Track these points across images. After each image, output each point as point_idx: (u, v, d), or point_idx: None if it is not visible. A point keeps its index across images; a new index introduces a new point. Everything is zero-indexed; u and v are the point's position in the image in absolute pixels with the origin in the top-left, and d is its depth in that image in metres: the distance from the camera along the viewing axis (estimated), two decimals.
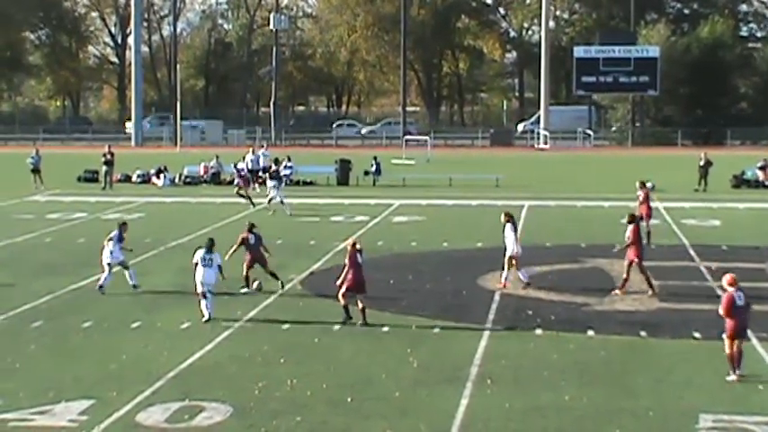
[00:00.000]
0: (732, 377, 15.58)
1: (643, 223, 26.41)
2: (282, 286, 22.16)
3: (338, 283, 19.28)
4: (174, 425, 13.68)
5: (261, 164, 47.22)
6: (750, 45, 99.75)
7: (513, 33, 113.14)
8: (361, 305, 19.03)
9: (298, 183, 47.47)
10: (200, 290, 19.59)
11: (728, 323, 15.60)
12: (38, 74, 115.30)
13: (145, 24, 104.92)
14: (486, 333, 18.58)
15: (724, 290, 16.00)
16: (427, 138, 67.49)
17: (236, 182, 40.84)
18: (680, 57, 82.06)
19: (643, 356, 17.10)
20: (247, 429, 13.49)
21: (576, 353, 17.24)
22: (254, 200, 37.79)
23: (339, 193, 43.59)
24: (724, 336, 15.78)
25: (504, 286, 22.37)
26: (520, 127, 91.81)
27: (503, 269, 22.59)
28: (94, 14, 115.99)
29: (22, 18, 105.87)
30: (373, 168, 48.43)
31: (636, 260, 21.88)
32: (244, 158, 46.82)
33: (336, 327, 18.92)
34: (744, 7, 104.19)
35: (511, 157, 67.57)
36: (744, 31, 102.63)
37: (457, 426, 13.66)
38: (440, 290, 22.40)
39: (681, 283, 23.16)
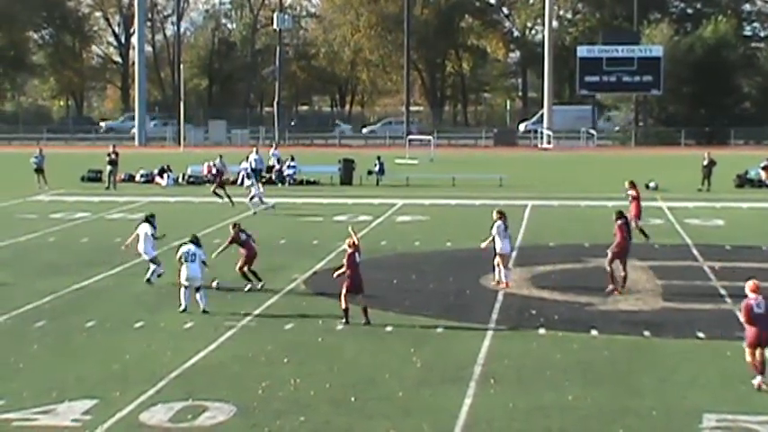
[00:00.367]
0: (757, 380, 15.17)
1: (632, 223, 26.39)
2: (261, 287, 22.14)
3: (335, 275, 19.44)
4: (177, 424, 13.68)
5: (271, 163, 47.38)
6: (753, 44, 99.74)
7: (516, 33, 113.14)
8: (362, 305, 19.04)
9: (301, 182, 47.50)
10: (184, 284, 20.04)
11: (748, 331, 15.29)
12: (41, 73, 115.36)
13: (148, 24, 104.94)
14: (490, 333, 18.57)
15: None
16: (431, 137, 67.49)
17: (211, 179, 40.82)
18: (683, 56, 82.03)
19: (647, 356, 17.08)
20: (251, 429, 13.49)
21: (580, 352, 17.23)
22: (255, 200, 37.75)
23: (342, 192, 43.59)
24: (744, 344, 15.56)
25: (507, 285, 22.38)
26: (521, 127, 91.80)
27: (493, 270, 22.69)
28: (98, 14, 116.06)
29: (25, 18, 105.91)
30: (377, 168, 48.43)
31: (616, 252, 22.03)
32: (247, 158, 46.90)
33: (339, 326, 18.92)
34: (747, 7, 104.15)
35: (514, 157, 67.54)
36: (747, 31, 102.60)
37: (460, 426, 13.65)
38: (443, 289, 22.39)
39: (684, 283, 23.14)
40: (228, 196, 37.99)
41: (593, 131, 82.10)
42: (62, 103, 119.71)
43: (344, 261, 19.34)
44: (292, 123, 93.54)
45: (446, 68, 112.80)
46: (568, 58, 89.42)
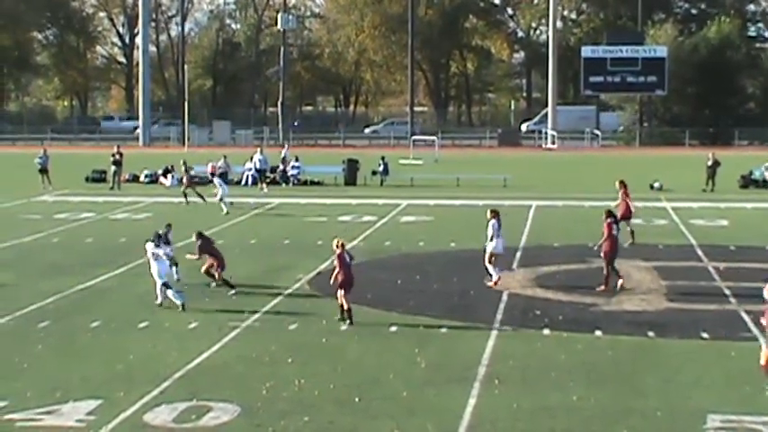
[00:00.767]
0: None
1: (622, 222, 26.40)
2: (209, 285, 22.18)
3: (332, 283, 19.52)
4: (181, 425, 13.68)
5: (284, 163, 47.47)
6: (758, 45, 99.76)
7: (520, 33, 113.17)
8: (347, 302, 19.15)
9: (305, 183, 47.49)
10: (158, 281, 20.45)
11: None
12: (45, 74, 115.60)
13: (153, 24, 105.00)
14: (494, 333, 18.56)
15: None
16: (435, 138, 67.47)
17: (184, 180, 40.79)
18: (688, 57, 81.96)
19: (651, 357, 17.07)
20: (255, 429, 13.48)
21: (584, 353, 17.21)
22: (262, 200, 37.79)
23: (347, 193, 43.59)
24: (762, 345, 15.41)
25: (495, 283, 22.43)
26: (523, 127, 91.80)
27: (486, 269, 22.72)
28: (102, 14, 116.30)
29: (30, 18, 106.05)
30: (381, 168, 48.41)
31: (607, 252, 22.14)
32: (252, 158, 46.92)
33: (344, 327, 18.92)
34: (751, 7, 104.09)
35: (518, 158, 67.51)
36: (752, 31, 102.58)
37: (465, 426, 13.64)
38: (447, 290, 22.38)
39: (689, 284, 23.12)
40: (200, 195, 38.23)
41: (597, 132, 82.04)
42: (66, 103, 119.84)
43: (336, 262, 19.38)
44: (295, 123, 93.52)
45: (450, 69, 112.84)
46: (573, 58, 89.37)
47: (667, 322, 19.46)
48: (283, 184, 46.78)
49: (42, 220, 34.18)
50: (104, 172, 47.95)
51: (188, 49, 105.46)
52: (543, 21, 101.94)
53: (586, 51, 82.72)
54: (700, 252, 27.56)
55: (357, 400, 14.63)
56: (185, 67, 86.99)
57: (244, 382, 15.45)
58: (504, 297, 21.59)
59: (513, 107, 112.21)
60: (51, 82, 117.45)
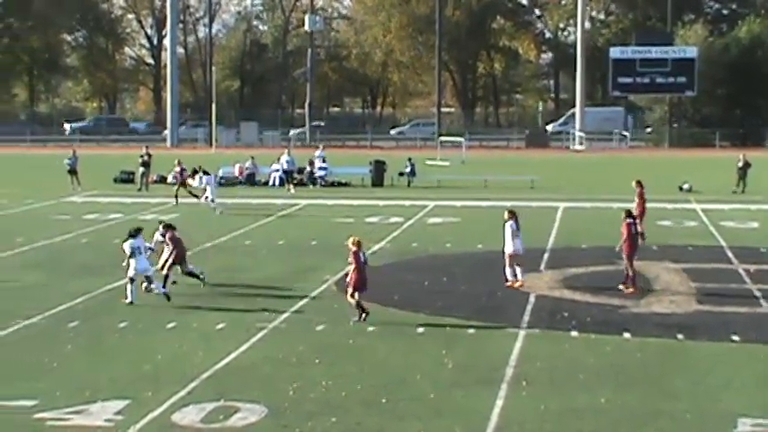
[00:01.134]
0: None
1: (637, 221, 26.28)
2: (203, 282, 22.32)
3: (347, 282, 19.54)
4: (209, 425, 13.70)
5: (317, 165, 47.46)
6: None
7: (548, 34, 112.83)
8: (361, 302, 19.18)
9: (332, 184, 47.53)
10: (131, 275, 20.78)
11: None
12: (75, 75, 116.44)
13: (180, 26, 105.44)
14: (522, 334, 18.48)
15: None
16: (462, 139, 67.42)
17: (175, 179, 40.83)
18: (718, 57, 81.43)
19: (680, 359, 16.94)
20: (282, 430, 13.49)
21: (613, 355, 17.11)
22: (289, 201, 37.85)
23: (374, 194, 43.58)
24: None
25: (512, 284, 22.35)
26: (549, 127, 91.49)
27: (504, 270, 22.65)
28: (131, 16, 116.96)
29: (60, 20, 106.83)
30: (408, 169, 48.37)
31: (628, 253, 22.12)
32: (279, 159, 47.01)
33: (371, 328, 18.90)
34: None
35: (546, 159, 67.30)
36: None
37: (492, 427, 13.59)
38: (474, 291, 22.32)
39: (719, 286, 22.94)
40: (195, 195, 38.44)
41: (626, 133, 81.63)
42: (95, 104, 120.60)
43: (352, 260, 19.37)
44: (321, 124, 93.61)
45: (477, 70, 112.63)
46: (601, 59, 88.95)
47: (697, 324, 19.32)
48: (310, 186, 46.84)
49: (72, 221, 34.39)
50: (132, 173, 48.21)
51: (215, 50, 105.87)
52: (571, 21, 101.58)
53: (615, 52, 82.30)
54: (730, 254, 27.36)
55: (384, 401, 14.60)
56: (213, 68, 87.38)
57: (271, 383, 15.46)
58: (532, 299, 21.51)
59: (540, 108, 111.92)
60: (80, 83, 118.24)
